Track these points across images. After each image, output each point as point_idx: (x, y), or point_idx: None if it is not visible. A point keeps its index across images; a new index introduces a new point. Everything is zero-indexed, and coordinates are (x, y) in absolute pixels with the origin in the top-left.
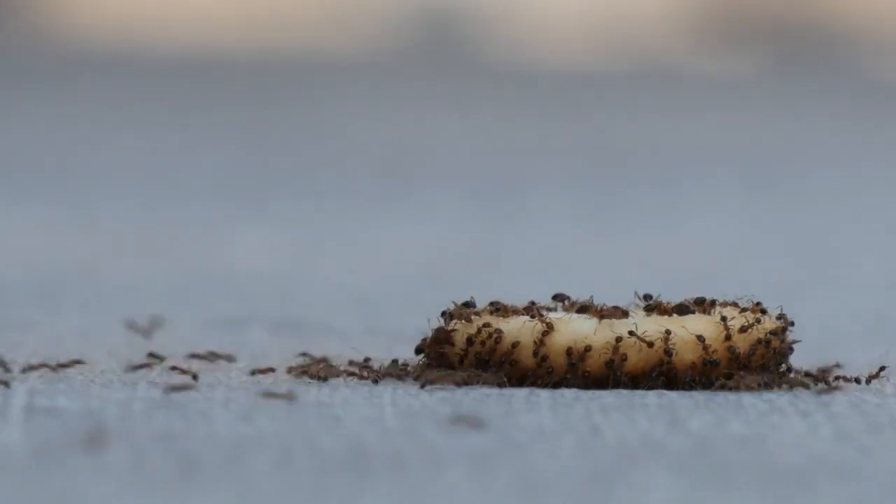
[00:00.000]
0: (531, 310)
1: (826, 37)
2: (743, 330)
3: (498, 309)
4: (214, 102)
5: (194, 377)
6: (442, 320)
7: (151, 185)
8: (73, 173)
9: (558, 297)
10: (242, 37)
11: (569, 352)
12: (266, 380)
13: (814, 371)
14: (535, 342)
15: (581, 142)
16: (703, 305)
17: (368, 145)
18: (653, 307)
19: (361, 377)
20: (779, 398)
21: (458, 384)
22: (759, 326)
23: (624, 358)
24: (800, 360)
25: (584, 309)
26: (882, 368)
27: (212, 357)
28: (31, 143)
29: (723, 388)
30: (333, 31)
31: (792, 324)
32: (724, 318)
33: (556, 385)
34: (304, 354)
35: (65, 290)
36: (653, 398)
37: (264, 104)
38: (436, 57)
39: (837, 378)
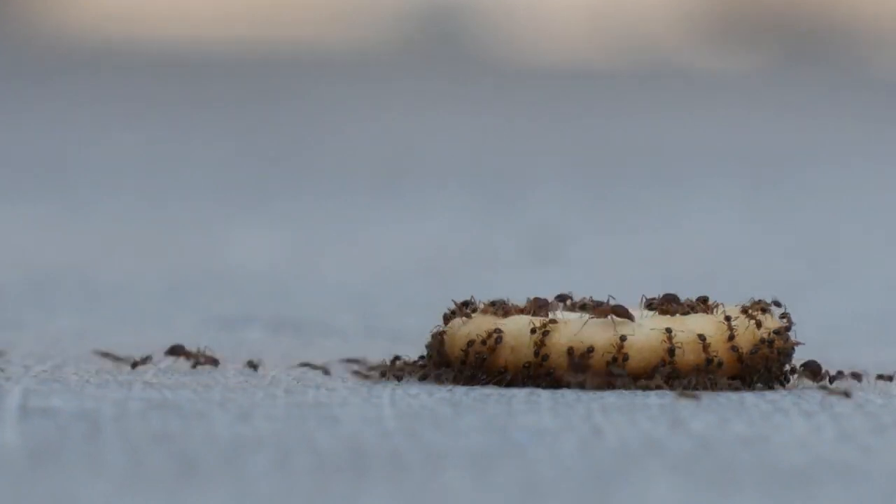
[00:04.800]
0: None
1: (830, 34)
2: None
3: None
4: (211, 99)
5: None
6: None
7: (147, 183)
8: (68, 171)
9: (561, 298)
10: (239, 33)
11: (570, 352)
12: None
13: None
14: (535, 342)
15: (582, 139)
16: (705, 304)
17: (367, 142)
18: (654, 306)
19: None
20: (782, 398)
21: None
22: (763, 326)
23: (626, 358)
24: (801, 359)
25: (583, 307)
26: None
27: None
28: (24, 140)
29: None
30: (331, 28)
31: (786, 314)
32: (727, 318)
33: (556, 385)
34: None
35: (59, 289)
36: (654, 398)
37: (261, 101)
38: (435, 53)
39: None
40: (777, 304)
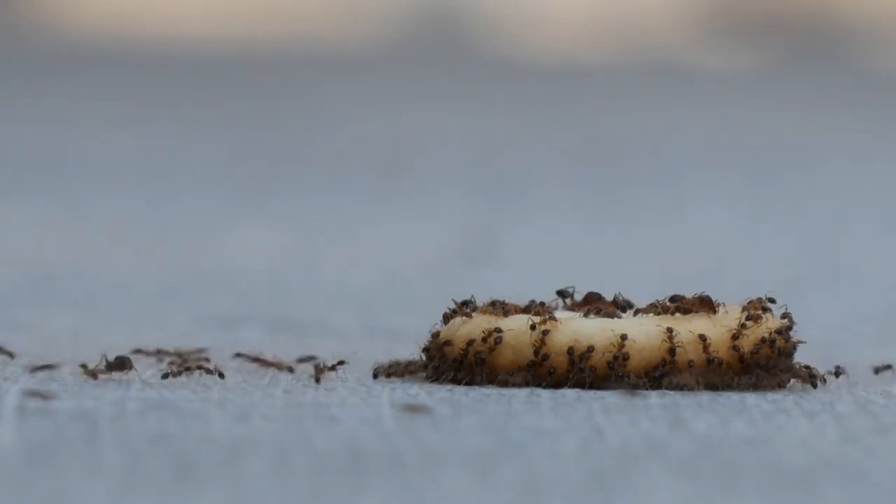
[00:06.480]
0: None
1: (833, 31)
2: (749, 321)
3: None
4: (209, 98)
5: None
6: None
7: (145, 181)
8: (66, 170)
9: (562, 293)
10: (238, 32)
11: (570, 351)
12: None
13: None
14: (535, 342)
15: (584, 137)
16: (707, 304)
17: (367, 141)
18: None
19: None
20: (784, 398)
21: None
22: (764, 325)
23: (626, 357)
24: (802, 360)
25: (674, 303)
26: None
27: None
28: (22, 138)
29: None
30: (331, 26)
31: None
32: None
33: (557, 385)
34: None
35: (56, 288)
36: (655, 399)
37: (260, 100)
38: (436, 52)
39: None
40: (772, 300)
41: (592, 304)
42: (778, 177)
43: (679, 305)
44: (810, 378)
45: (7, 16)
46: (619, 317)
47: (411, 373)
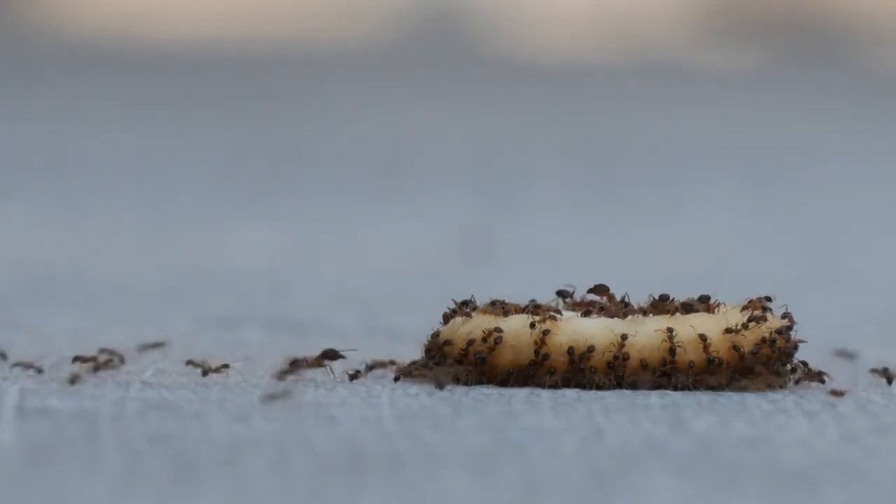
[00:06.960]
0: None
1: (833, 31)
2: (747, 325)
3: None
4: (209, 98)
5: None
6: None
7: (145, 181)
8: (66, 169)
9: (562, 293)
10: (238, 31)
11: (570, 351)
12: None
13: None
14: (535, 342)
15: (584, 137)
16: (707, 303)
17: (366, 141)
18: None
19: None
20: (784, 398)
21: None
22: (765, 324)
23: (626, 357)
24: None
25: (574, 304)
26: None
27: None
28: (22, 138)
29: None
30: (331, 26)
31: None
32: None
33: (557, 385)
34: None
35: (56, 288)
36: (655, 399)
37: (260, 99)
38: (436, 51)
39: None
40: (769, 299)
41: (600, 293)
42: (778, 177)
43: (675, 307)
44: (815, 376)
45: (7, 16)
46: (620, 316)
47: (421, 375)
